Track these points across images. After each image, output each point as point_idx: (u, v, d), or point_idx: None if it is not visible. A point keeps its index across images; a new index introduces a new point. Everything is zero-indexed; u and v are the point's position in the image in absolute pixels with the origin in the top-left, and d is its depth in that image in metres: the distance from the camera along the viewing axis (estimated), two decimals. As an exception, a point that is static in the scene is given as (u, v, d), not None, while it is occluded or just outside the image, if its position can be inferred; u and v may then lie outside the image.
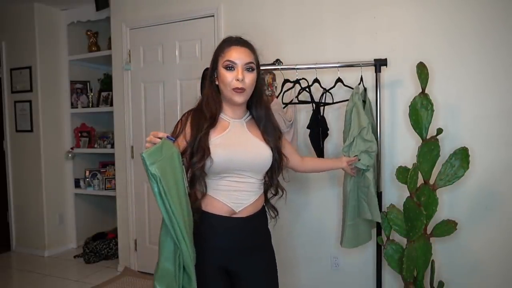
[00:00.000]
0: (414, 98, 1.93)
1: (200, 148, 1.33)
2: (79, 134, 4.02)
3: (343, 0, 2.50)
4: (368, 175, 2.04)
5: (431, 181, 1.95)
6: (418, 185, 1.94)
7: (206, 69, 2.04)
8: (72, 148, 3.98)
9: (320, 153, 2.29)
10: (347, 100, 2.15)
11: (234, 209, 1.38)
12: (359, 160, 1.97)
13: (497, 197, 2.19)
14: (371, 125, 2.15)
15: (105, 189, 3.90)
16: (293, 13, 2.64)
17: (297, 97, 2.31)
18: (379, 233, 2.15)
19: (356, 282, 2.55)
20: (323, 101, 2.27)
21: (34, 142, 3.78)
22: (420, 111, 1.91)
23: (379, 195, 2.17)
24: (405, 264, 1.93)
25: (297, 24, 2.63)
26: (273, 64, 2.44)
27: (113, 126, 3.46)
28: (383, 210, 2.13)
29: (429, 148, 1.92)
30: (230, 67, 1.37)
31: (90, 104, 4.02)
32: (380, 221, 2.08)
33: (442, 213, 2.16)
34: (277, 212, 1.56)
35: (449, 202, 2.26)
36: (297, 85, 2.28)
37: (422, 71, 1.92)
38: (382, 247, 2.09)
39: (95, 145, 3.99)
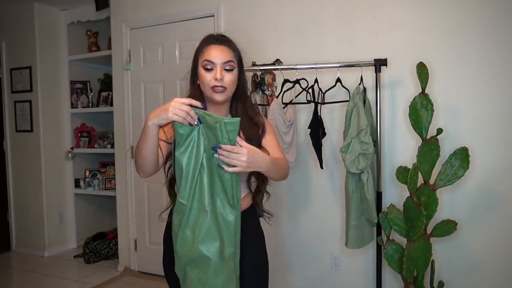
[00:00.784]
0: (414, 98, 1.93)
1: None
2: (79, 134, 4.02)
3: (343, 0, 2.50)
4: (363, 176, 2.05)
5: (431, 181, 1.95)
6: (418, 185, 1.95)
7: None
8: (72, 148, 3.98)
9: (319, 152, 2.30)
10: (347, 100, 2.15)
11: None
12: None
13: (497, 197, 2.19)
14: (371, 125, 2.15)
15: (105, 189, 3.90)
16: (293, 13, 2.64)
17: (296, 97, 2.31)
18: (379, 233, 2.15)
19: (356, 282, 2.55)
20: (319, 101, 2.28)
21: (34, 142, 3.78)
22: (420, 111, 1.91)
23: (379, 195, 2.17)
24: (405, 264, 1.93)
25: (297, 24, 2.63)
26: (273, 64, 2.44)
27: (113, 126, 3.46)
28: (383, 210, 2.13)
29: (429, 148, 1.92)
30: (208, 68, 1.34)
31: (90, 104, 4.02)
32: (376, 221, 2.09)
33: (442, 213, 2.16)
34: (269, 214, 1.51)
35: (449, 202, 2.26)
36: (297, 85, 2.28)
37: (422, 71, 1.92)
38: (382, 247, 2.09)
39: (95, 145, 3.99)
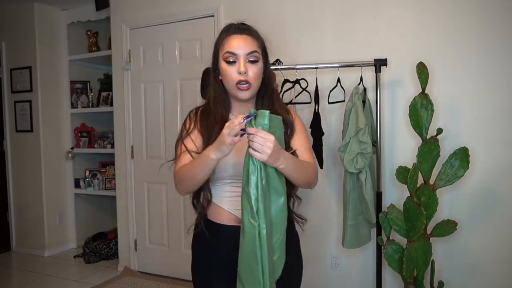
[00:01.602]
0: (414, 98, 1.93)
1: None
2: (79, 134, 4.01)
3: (343, 0, 2.50)
4: (361, 176, 2.05)
5: (431, 181, 1.95)
6: (418, 185, 1.95)
7: (207, 69, 2.04)
8: (72, 148, 3.98)
9: (319, 152, 2.30)
10: (343, 101, 2.15)
11: (240, 216, 1.18)
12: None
13: (497, 197, 2.19)
14: (371, 125, 2.15)
15: (105, 189, 3.90)
16: (293, 13, 2.64)
17: (296, 97, 2.31)
18: (379, 233, 2.15)
19: (356, 282, 2.55)
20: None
21: (34, 142, 3.78)
22: (420, 111, 1.91)
23: (379, 195, 2.17)
24: (405, 264, 1.93)
25: (297, 24, 2.63)
26: (273, 64, 2.44)
27: (113, 126, 3.46)
28: (383, 210, 2.13)
29: (429, 148, 1.92)
30: (231, 60, 1.21)
31: (90, 104, 4.02)
32: (374, 221, 2.09)
33: (442, 213, 2.16)
34: (302, 219, 1.38)
35: (449, 202, 2.26)
36: (296, 85, 2.28)
37: (422, 71, 1.93)
38: (382, 247, 2.09)
39: (95, 145, 3.99)
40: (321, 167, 2.36)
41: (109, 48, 3.52)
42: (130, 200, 3.36)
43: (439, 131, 1.89)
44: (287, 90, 2.30)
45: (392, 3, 2.38)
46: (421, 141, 1.95)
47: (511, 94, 2.15)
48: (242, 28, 1.26)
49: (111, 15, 3.38)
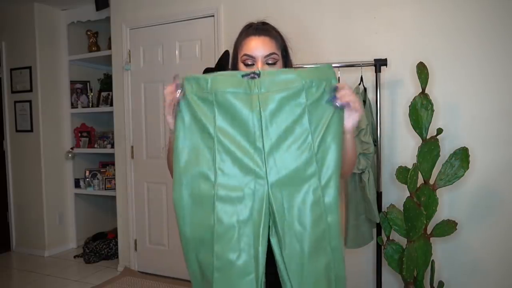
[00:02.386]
0: (414, 98, 1.93)
1: None
2: (79, 134, 4.02)
3: (343, 1, 2.50)
4: (364, 176, 2.04)
5: (431, 181, 1.95)
6: (418, 185, 1.95)
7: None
8: (72, 148, 3.98)
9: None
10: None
11: None
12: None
13: (497, 197, 2.19)
14: (371, 125, 2.15)
15: (105, 189, 3.90)
16: (293, 13, 2.64)
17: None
18: (379, 233, 2.15)
19: (356, 282, 2.55)
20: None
21: (34, 142, 3.78)
22: (420, 111, 1.91)
23: (379, 195, 2.17)
24: (405, 264, 1.93)
25: (297, 23, 2.63)
26: (273, 64, 2.44)
27: (113, 126, 3.47)
28: (383, 210, 2.13)
29: (429, 148, 1.92)
30: (249, 63, 1.19)
31: (90, 104, 4.02)
32: (378, 221, 2.09)
33: (442, 213, 2.16)
34: None
35: (449, 202, 2.26)
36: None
37: (422, 71, 1.93)
38: (382, 247, 2.09)
39: (95, 145, 3.99)
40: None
41: (109, 48, 3.52)
42: (130, 200, 3.36)
43: (439, 131, 1.89)
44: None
45: (392, 4, 2.38)
46: (421, 141, 1.95)
47: (511, 94, 2.15)
48: (260, 29, 1.24)
49: (111, 15, 3.38)
